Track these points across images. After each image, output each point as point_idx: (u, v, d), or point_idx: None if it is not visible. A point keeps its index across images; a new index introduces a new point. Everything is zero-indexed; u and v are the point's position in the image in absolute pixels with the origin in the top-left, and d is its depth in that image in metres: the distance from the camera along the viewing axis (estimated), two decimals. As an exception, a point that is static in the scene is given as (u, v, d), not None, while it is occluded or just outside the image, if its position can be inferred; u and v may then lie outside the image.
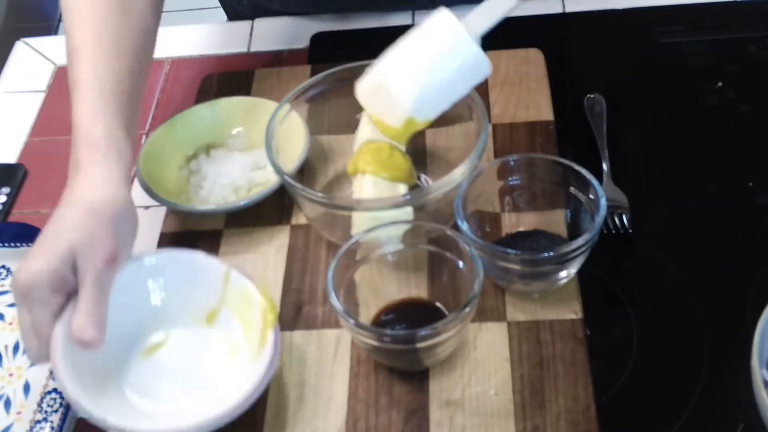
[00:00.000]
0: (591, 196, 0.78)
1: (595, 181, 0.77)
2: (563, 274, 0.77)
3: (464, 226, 0.76)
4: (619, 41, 1.06)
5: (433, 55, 0.76)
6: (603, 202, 0.76)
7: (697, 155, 0.92)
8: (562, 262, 0.75)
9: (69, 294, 0.71)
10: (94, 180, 0.75)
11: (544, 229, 0.82)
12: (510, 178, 0.81)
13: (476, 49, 0.76)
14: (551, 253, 0.74)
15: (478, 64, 0.76)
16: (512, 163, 0.81)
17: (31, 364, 0.79)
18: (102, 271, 0.71)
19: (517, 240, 0.82)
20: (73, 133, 0.77)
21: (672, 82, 1.00)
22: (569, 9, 1.10)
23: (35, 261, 0.70)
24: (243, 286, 0.76)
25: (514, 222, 0.82)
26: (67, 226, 0.72)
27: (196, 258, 0.78)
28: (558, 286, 0.79)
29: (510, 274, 0.77)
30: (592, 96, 0.96)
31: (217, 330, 0.77)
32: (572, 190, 0.79)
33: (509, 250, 0.75)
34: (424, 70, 0.76)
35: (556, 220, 0.82)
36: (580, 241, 0.74)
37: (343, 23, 1.11)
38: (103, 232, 0.72)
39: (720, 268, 0.82)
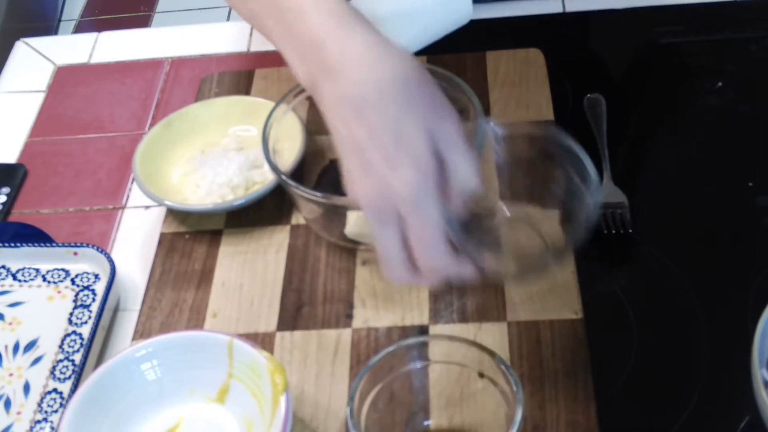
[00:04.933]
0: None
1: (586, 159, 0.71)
2: None
3: None
4: (619, 41, 1.06)
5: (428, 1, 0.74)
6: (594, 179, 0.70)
7: (697, 155, 0.92)
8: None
9: None
10: (375, 47, 0.63)
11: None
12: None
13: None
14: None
15: (464, 11, 0.75)
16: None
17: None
18: (459, 125, 0.64)
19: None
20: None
21: (672, 82, 1.00)
22: (569, 9, 1.09)
23: (404, 169, 0.61)
24: (248, 355, 0.72)
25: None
26: (406, 112, 0.62)
27: (195, 336, 0.76)
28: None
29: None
30: (592, 96, 0.96)
31: (230, 408, 0.74)
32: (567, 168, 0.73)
33: None
34: (417, 16, 0.73)
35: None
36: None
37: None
38: (434, 92, 0.64)
39: (720, 268, 0.82)
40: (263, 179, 0.90)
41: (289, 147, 0.86)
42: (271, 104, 0.88)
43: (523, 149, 0.73)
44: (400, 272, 0.66)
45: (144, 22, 2.68)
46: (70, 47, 1.15)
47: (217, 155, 0.93)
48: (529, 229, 0.77)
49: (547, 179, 0.74)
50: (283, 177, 0.80)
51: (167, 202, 0.88)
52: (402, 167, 0.61)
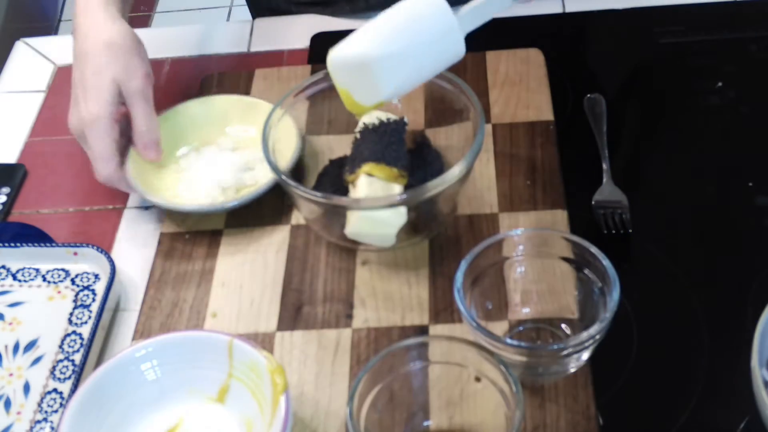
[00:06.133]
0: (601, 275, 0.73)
1: (606, 261, 0.72)
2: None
3: (463, 309, 0.71)
4: (619, 41, 1.06)
5: (419, 40, 0.74)
6: (615, 282, 0.71)
7: (697, 155, 0.92)
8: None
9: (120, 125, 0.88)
10: (103, 21, 0.88)
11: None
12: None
13: (459, 35, 0.74)
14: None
15: (456, 49, 0.75)
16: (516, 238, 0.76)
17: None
18: (145, 88, 0.87)
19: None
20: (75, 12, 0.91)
21: (672, 82, 1.00)
22: (569, 9, 1.10)
23: (91, 103, 0.85)
24: (248, 355, 0.72)
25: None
26: (102, 65, 0.86)
27: (195, 336, 0.76)
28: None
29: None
30: (592, 96, 0.96)
31: (230, 408, 0.74)
32: (585, 271, 0.75)
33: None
34: (408, 57, 0.74)
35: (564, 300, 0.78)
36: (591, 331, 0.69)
37: (343, 23, 1.11)
38: (132, 58, 0.87)
39: (720, 268, 0.82)
40: (254, 182, 0.90)
41: (288, 147, 0.86)
42: (268, 104, 0.88)
43: (541, 251, 0.76)
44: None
45: (144, 22, 2.68)
46: (71, 47, 1.14)
47: (211, 153, 0.92)
48: (548, 330, 0.78)
49: (566, 280, 0.76)
50: (283, 177, 0.80)
51: (170, 204, 0.88)
52: (89, 102, 0.86)
